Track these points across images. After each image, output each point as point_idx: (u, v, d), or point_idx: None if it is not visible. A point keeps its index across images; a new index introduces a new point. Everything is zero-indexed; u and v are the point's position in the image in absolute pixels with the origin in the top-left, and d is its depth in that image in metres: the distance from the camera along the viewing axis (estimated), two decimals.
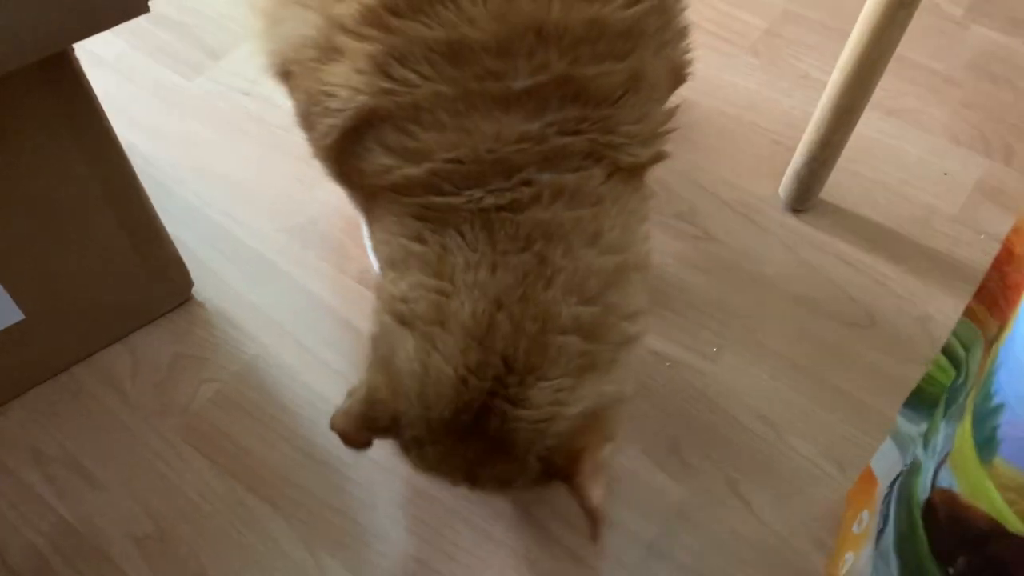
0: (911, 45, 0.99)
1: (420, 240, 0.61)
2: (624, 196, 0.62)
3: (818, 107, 0.94)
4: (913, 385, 0.88)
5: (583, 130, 0.59)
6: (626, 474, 0.84)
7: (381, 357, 0.63)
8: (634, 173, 0.64)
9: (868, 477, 0.71)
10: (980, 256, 0.98)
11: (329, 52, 0.61)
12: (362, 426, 0.63)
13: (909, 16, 0.82)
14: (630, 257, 0.63)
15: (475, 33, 0.57)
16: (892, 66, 0.88)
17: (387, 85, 0.59)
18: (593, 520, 0.59)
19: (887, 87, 1.04)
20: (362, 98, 0.60)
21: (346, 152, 0.64)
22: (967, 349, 0.61)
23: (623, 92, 0.60)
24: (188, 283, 0.95)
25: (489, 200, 0.59)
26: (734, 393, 0.89)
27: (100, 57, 1.18)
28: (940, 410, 0.61)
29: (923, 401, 0.68)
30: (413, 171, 0.60)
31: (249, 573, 0.79)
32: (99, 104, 0.76)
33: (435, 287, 0.60)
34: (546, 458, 0.60)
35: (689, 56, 0.69)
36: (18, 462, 0.85)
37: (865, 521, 0.69)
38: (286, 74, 0.69)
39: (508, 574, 0.78)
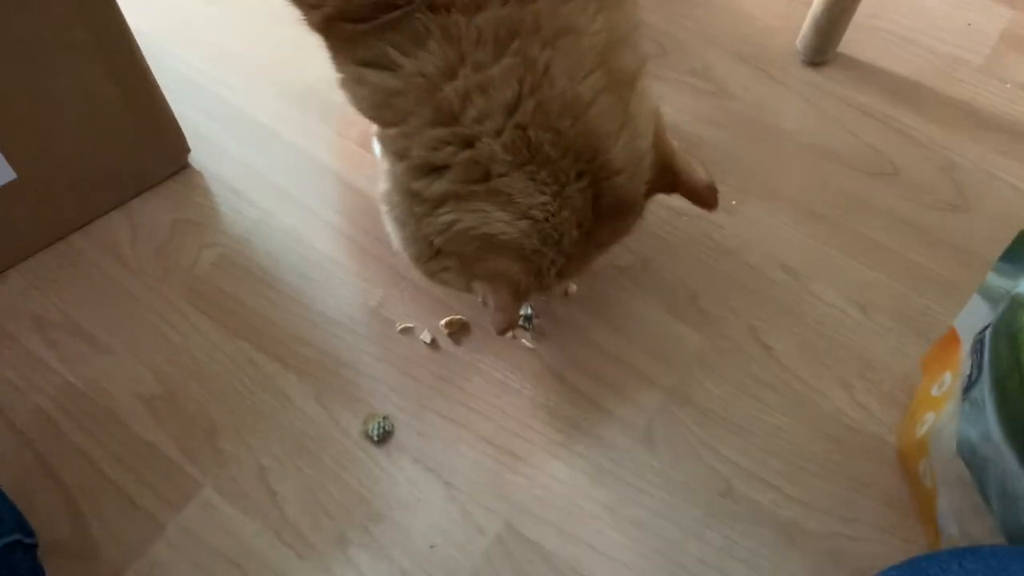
0: None
1: (390, 67, 0.58)
2: None
3: None
4: (937, 231, 0.86)
5: None
6: (643, 324, 0.82)
7: (475, 249, 0.63)
8: None
9: (951, 338, 0.68)
10: (1006, 104, 0.94)
11: None
12: (519, 305, 0.66)
13: None
14: (616, 32, 0.60)
15: None
16: None
17: None
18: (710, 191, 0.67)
19: None
20: None
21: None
22: None
23: None
24: (184, 148, 0.91)
25: None
26: (754, 244, 0.86)
27: None
28: None
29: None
30: None
31: (263, 425, 0.77)
32: None
33: (450, 136, 0.58)
34: (649, 190, 0.65)
35: None
36: (19, 328, 0.83)
37: (947, 383, 0.66)
38: None
39: (528, 421, 0.77)
